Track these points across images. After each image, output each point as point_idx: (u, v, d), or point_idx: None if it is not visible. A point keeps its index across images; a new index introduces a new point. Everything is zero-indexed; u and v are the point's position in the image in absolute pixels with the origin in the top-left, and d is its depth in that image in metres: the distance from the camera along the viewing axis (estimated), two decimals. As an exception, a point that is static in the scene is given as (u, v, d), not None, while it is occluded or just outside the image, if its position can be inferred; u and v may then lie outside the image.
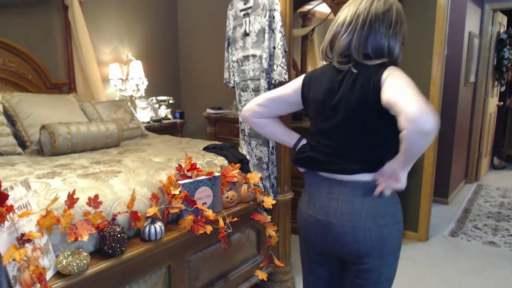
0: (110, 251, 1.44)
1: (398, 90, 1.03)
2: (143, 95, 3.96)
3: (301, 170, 1.38)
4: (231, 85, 2.45)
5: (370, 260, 1.20)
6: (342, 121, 1.20)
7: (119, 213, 1.56)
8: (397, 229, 1.23)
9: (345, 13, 1.22)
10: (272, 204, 2.13)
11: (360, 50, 1.19)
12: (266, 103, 1.41)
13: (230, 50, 2.39)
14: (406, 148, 1.01)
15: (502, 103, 5.62)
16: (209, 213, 1.80)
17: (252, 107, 1.44)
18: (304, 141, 1.45)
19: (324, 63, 1.35)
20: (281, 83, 2.14)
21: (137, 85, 3.87)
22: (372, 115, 1.14)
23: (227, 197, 2.00)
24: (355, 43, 1.19)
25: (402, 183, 1.13)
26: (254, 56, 2.18)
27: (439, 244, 3.09)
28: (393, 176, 1.13)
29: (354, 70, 1.18)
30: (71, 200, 1.37)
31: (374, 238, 1.18)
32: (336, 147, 1.23)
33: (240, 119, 2.41)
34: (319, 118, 1.28)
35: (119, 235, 1.44)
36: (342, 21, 1.22)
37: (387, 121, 1.10)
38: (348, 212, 1.19)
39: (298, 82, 1.37)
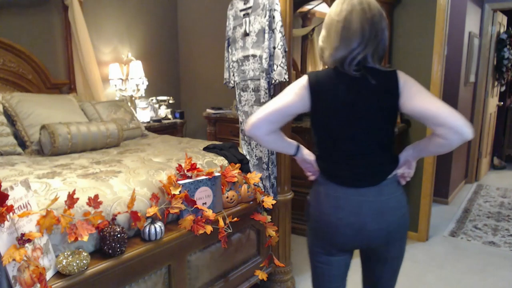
0: (110, 251, 1.44)
1: (433, 102, 1.16)
2: (143, 95, 3.96)
3: (311, 178, 1.43)
4: (231, 85, 2.45)
5: (398, 245, 1.37)
6: (367, 126, 1.26)
7: (119, 213, 1.56)
8: (408, 214, 1.39)
9: (353, 20, 1.20)
10: (272, 204, 2.13)
11: (375, 57, 1.24)
12: (276, 118, 1.29)
13: (230, 50, 2.39)
14: (437, 151, 1.23)
15: (502, 103, 5.62)
16: (209, 213, 1.81)
17: (264, 124, 1.28)
18: (303, 150, 1.43)
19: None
20: (281, 83, 2.14)
21: (137, 85, 3.87)
22: (387, 118, 1.27)
23: (227, 197, 2.00)
24: (371, 50, 1.22)
25: (413, 170, 1.37)
26: (254, 56, 2.18)
27: (439, 244, 3.09)
28: (410, 167, 1.35)
29: (369, 76, 1.22)
30: (71, 200, 1.37)
31: (402, 227, 1.35)
32: (362, 153, 1.29)
33: (240, 120, 2.41)
34: (338, 125, 1.28)
35: (119, 235, 1.45)
36: (357, 29, 1.19)
37: (393, 122, 1.29)
38: (379, 210, 1.28)
39: (302, 90, 1.28)
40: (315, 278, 1.51)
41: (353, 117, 1.25)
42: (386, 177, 1.29)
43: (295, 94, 1.29)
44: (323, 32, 1.29)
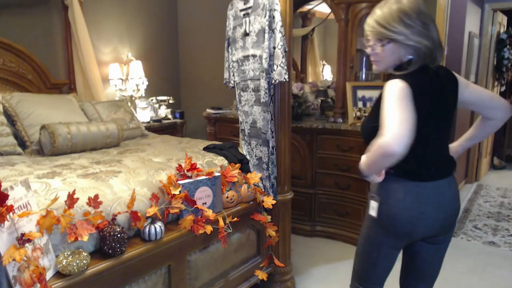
0: (110, 251, 1.44)
1: (483, 89, 1.46)
2: (143, 95, 3.96)
3: (379, 179, 1.40)
4: (231, 85, 2.45)
5: (453, 230, 1.54)
6: (447, 122, 1.40)
7: (119, 213, 1.56)
8: None
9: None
10: (272, 204, 2.13)
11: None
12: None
13: (230, 50, 2.39)
14: (486, 133, 1.54)
15: (502, 103, 5.61)
16: (209, 213, 1.81)
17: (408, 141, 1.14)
18: None
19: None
20: (281, 83, 2.14)
21: (137, 85, 3.87)
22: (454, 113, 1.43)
23: (227, 197, 2.00)
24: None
25: None
26: (254, 56, 2.18)
27: (439, 244, 3.09)
28: None
29: (441, 72, 1.35)
30: (71, 200, 1.37)
31: (458, 212, 1.48)
32: (440, 148, 1.41)
33: (240, 120, 2.41)
34: (425, 123, 1.29)
35: (119, 235, 1.45)
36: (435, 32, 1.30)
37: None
38: (452, 198, 1.41)
39: (408, 100, 1.19)
40: (373, 270, 1.52)
41: (438, 114, 1.35)
42: (455, 168, 1.43)
43: (408, 107, 1.23)
44: None
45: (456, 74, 1.40)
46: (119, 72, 3.79)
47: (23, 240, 1.21)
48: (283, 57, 2.06)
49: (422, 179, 1.35)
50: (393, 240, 1.44)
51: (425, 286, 1.60)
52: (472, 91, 1.41)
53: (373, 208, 1.44)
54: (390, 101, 1.20)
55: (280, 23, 2.04)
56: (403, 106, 1.18)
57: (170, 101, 4.16)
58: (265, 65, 2.10)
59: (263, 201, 2.12)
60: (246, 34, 2.22)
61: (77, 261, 1.32)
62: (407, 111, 1.17)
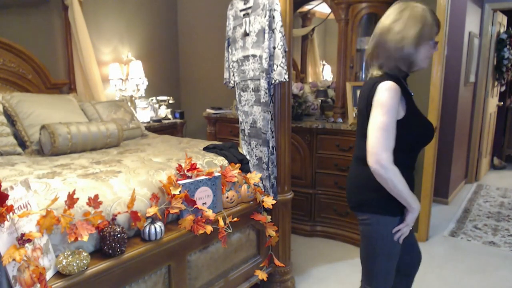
0: (110, 251, 1.44)
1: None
2: (143, 95, 3.96)
3: None
4: (231, 85, 2.45)
5: None
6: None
7: (119, 213, 1.56)
8: None
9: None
10: (272, 204, 2.13)
11: None
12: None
13: (230, 50, 2.39)
14: None
15: (502, 103, 5.62)
16: (209, 213, 1.81)
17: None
18: None
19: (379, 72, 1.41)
20: (281, 83, 2.14)
21: (137, 85, 3.87)
22: None
23: (227, 197, 2.00)
24: None
25: None
26: (254, 56, 2.18)
27: (439, 244, 3.09)
28: None
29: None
30: (71, 200, 1.37)
31: None
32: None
33: (240, 120, 2.41)
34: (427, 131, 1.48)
35: (119, 235, 1.45)
36: None
37: None
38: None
39: (397, 105, 1.31)
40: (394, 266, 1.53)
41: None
42: None
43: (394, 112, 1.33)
44: None
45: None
46: (119, 72, 3.79)
47: (23, 240, 1.21)
48: (283, 57, 2.06)
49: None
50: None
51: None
52: None
53: None
54: None
55: (280, 23, 2.04)
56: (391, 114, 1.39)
57: (170, 101, 4.16)
58: (265, 65, 2.10)
59: (263, 201, 2.12)
60: (246, 34, 2.22)
61: (77, 261, 1.32)
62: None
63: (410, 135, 1.36)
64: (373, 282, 1.52)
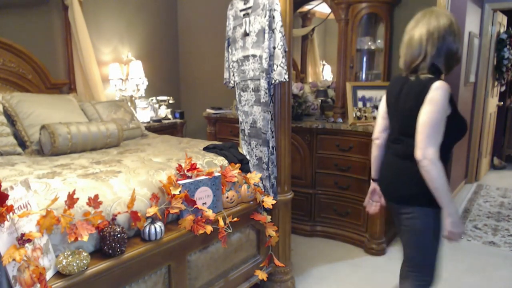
0: (110, 251, 1.44)
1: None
2: (143, 95, 3.96)
3: None
4: (231, 85, 2.45)
5: None
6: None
7: (119, 213, 1.56)
8: None
9: None
10: (272, 204, 2.13)
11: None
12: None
13: (230, 50, 2.39)
14: None
15: (502, 103, 5.62)
16: (209, 213, 1.81)
17: None
18: None
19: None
20: (281, 83, 2.14)
21: (137, 85, 3.87)
22: None
23: (227, 197, 2.00)
24: None
25: None
26: (254, 56, 2.18)
27: (439, 244, 3.09)
28: None
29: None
30: (71, 200, 1.37)
31: None
32: None
33: (240, 120, 2.41)
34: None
35: (119, 235, 1.45)
36: None
37: None
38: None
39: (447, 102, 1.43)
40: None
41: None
42: None
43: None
44: None
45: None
46: (119, 72, 3.79)
47: (23, 240, 1.21)
48: (283, 57, 2.06)
49: None
50: None
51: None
52: None
53: None
54: None
55: (280, 23, 2.04)
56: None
57: (170, 101, 4.16)
58: (265, 65, 2.10)
59: (263, 201, 2.12)
60: (246, 34, 2.22)
61: (77, 261, 1.32)
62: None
63: (454, 131, 1.48)
64: (427, 273, 1.60)
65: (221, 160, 2.23)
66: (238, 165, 2.10)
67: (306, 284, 2.49)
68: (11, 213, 1.19)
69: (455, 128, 1.48)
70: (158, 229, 1.61)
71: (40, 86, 3.22)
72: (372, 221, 2.90)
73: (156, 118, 3.94)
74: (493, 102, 5.19)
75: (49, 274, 1.30)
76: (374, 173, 1.78)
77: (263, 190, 2.25)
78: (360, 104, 3.03)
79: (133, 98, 3.91)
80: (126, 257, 1.48)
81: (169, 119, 4.12)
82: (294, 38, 3.57)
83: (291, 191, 2.35)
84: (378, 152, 1.73)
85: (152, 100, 4.04)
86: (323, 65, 3.85)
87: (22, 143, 2.51)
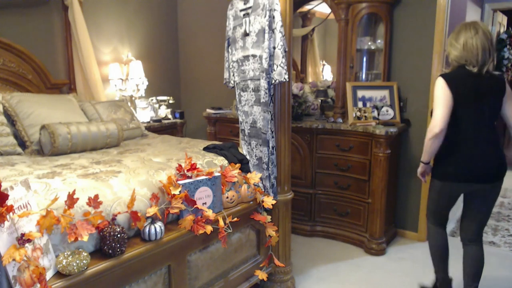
0: (110, 251, 1.44)
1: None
2: (143, 95, 3.96)
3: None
4: (231, 85, 2.45)
5: None
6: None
7: (119, 213, 1.56)
8: None
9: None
10: (272, 204, 2.13)
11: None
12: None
13: (230, 50, 2.39)
14: None
15: (502, 103, 5.61)
16: (209, 213, 1.81)
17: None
18: None
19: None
20: (281, 83, 2.14)
21: (137, 85, 3.87)
22: None
23: (227, 197, 2.00)
24: None
25: None
26: (254, 56, 2.18)
27: (439, 244, 3.08)
28: None
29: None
30: (71, 200, 1.37)
31: None
32: None
33: (240, 120, 2.41)
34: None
35: (119, 235, 1.45)
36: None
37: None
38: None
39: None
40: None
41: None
42: None
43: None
44: None
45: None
46: (119, 72, 3.79)
47: (23, 240, 1.21)
48: (283, 57, 2.06)
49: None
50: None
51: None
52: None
53: None
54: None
55: (280, 23, 2.05)
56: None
57: (170, 101, 4.16)
58: (265, 65, 2.10)
59: (263, 201, 2.12)
60: (246, 34, 2.22)
61: (77, 261, 1.32)
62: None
63: None
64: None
65: (221, 160, 2.23)
66: (238, 165, 2.10)
67: (306, 284, 2.49)
68: (11, 213, 1.19)
69: None
70: (158, 229, 1.61)
71: (40, 86, 3.22)
72: (372, 221, 2.90)
73: (156, 118, 3.94)
74: (493, 102, 5.18)
75: (49, 274, 1.30)
76: (428, 158, 2.09)
77: (263, 190, 2.26)
78: (360, 104, 3.03)
79: (133, 98, 3.91)
80: (126, 257, 1.48)
81: (169, 119, 4.12)
82: (294, 38, 3.57)
83: (291, 191, 2.35)
84: (440, 141, 1.97)
85: (152, 100, 4.04)
86: (323, 65, 3.85)
87: (22, 143, 2.51)
